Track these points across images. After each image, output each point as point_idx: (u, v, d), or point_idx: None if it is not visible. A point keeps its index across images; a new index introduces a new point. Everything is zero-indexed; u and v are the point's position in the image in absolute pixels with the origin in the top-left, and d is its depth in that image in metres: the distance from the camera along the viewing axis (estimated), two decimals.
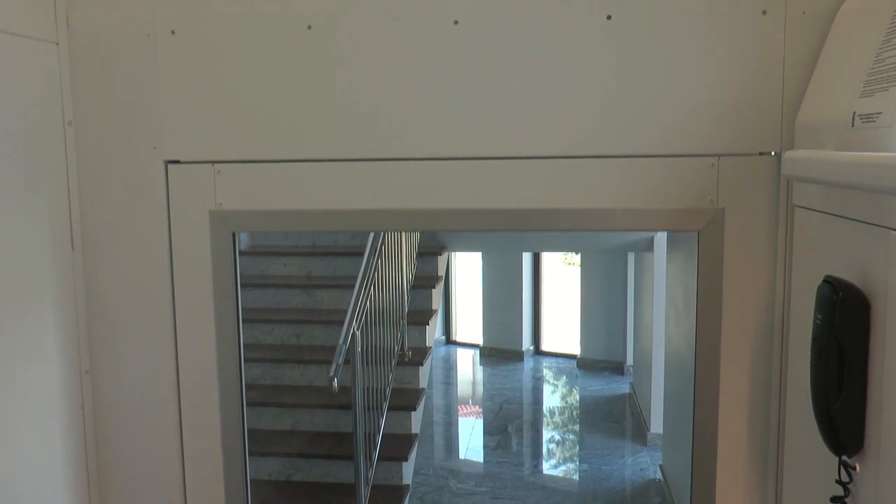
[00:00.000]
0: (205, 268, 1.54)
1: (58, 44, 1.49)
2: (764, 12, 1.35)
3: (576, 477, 5.76)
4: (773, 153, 1.38)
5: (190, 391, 1.58)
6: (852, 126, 1.10)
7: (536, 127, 1.43)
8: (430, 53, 1.44)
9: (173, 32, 1.48)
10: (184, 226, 1.54)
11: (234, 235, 1.55)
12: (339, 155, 1.48)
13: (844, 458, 1.08)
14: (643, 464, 5.75)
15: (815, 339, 1.10)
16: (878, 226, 1.02)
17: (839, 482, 1.09)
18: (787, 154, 1.20)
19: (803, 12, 1.34)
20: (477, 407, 7.38)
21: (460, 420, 7.02)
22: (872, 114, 1.05)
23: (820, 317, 1.09)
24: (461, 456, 6.12)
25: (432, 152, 1.47)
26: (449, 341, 9.53)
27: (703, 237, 1.42)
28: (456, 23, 1.42)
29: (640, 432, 6.29)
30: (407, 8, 1.43)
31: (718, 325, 1.42)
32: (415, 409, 4.55)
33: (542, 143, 1.44)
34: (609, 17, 1.39)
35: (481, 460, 5.95)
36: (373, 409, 4.08)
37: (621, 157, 1.42)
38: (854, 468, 1.07)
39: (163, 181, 1.53)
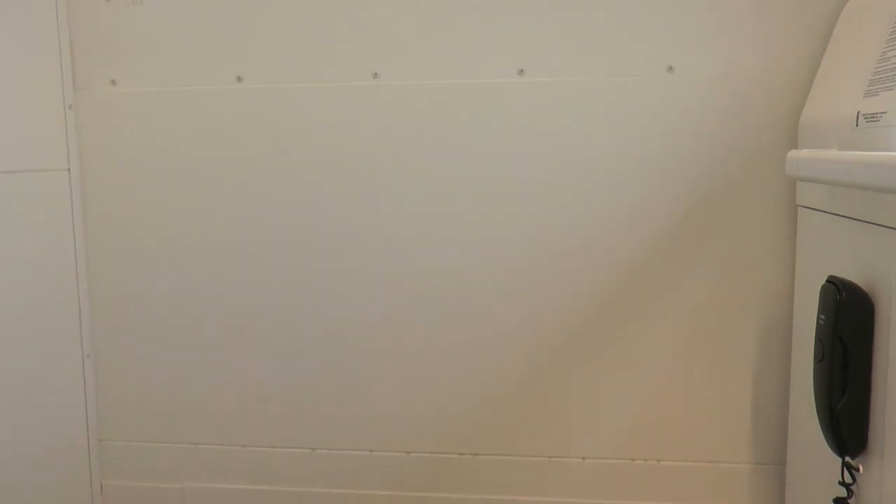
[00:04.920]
0: None
1: None
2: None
3: None
4: None
5: None
6: (857, 126, 1.09)
7: None
8: None
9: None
10: None
11: None
12: None
13: (848, 459, 1.08)
14: None
15: (818, 340, 1.10)
16: (883, 226, 1.01)
17: (842, 483, 1.09)
18: (791, 153, 1.20)
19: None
20: None
21: None
22: (877, 113, 1.04)
23: (823, 317, 1.08)
24: None
25: None
26: None
27: None
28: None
29: None
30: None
31: None
32: None
33: None
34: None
35: None
36: None
37: None
38: (857, 469, 1.06)
39: None
